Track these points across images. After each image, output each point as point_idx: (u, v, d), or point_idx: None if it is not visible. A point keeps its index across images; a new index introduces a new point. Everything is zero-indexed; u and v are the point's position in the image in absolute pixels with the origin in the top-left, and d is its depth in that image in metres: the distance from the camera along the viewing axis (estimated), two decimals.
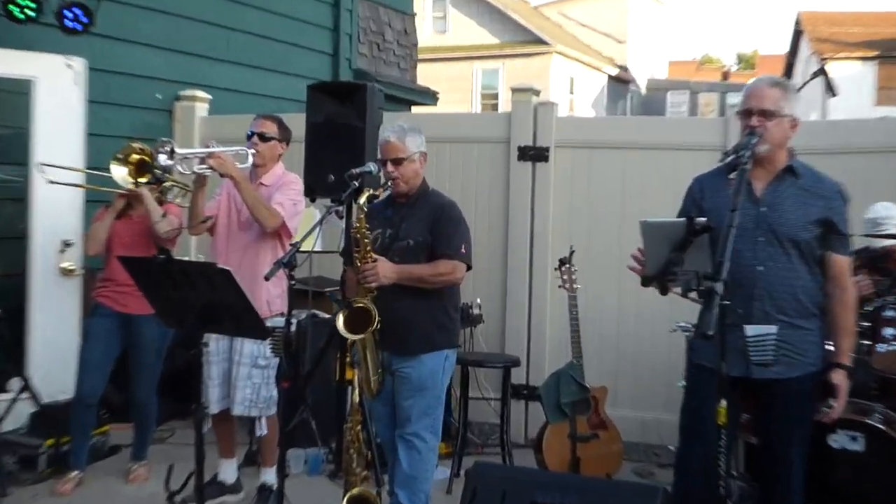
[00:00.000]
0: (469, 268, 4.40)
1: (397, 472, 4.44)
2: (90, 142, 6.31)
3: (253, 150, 4.96)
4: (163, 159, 4.75)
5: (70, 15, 5.90)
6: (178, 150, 4.80)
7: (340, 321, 4.03)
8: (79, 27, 5.96)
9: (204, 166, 4.77)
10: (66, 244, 5.90)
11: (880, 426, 4.44)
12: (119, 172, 5.00)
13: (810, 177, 3.79)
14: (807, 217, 3.73)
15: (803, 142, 4.80)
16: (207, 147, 4.91)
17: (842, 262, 3.77)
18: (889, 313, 4.70)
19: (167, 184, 5.39)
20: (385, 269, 4.15)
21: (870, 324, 4.75)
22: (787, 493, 3.82)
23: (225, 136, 6.39)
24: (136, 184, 4.99)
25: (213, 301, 3.76)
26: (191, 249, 6.97)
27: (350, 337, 4.08)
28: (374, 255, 4.16)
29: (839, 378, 3.70)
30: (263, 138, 4.97)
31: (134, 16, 7.32)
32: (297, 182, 5.07)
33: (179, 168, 4.88)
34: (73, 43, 6.17)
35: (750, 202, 3.68)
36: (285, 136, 5.10)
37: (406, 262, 4.27)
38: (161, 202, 5.26)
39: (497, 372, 6.11)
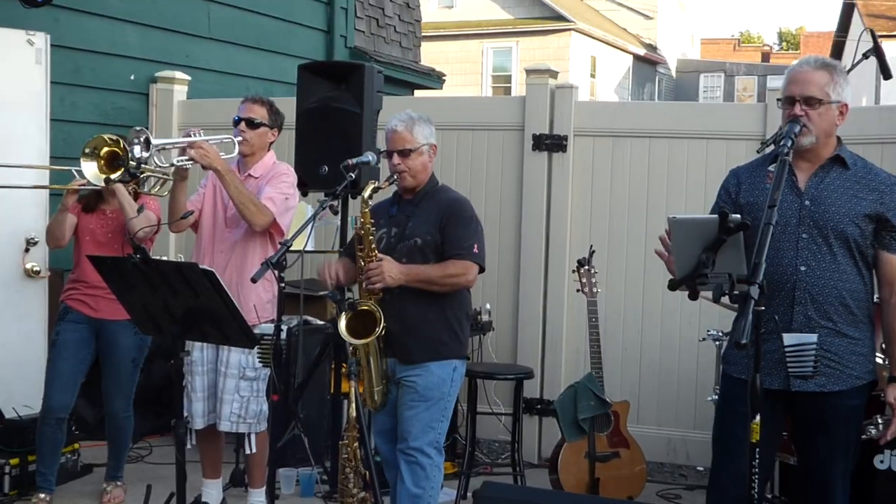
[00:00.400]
0: (482, 269, 4.42)
1: (400, 490, 4.44)
2: (55, 128, 6.25)
3: (240, 138, 4.92)
4: (137, 151, 4.62)
5: None
6: (154, 141, 4.70)
7: (343, 325, 4.04)
8: None
9: (184, 158, 4.68)
10: (31, 242, 5.85)
11: None
12: (90, 169, 4.83)
13: (861, 167, 3.77)
14: (857, 211, 3.69)
15: (854, 130, 4.82)
16: (188, 136, 4.79)
17: (894, 263, 3.74)
18: None
19: (143, 174, 5.31)
20: (391, 270, 4.16)
21: None
22: None
23: (208, 122, 6.45)
24: (108, 180, 4.82)
25: (196, 306, 3.75)
26: (170, 248, 6.96)
27: (353, 342, 4.09)
28: (380, 255, 4.17)
29: (893, 393, 3.67)
30: (252, 124, 4.93)
31: None
32: (289, 173, 5.02)
33: (156, 161, 4.84)
34: (35, 16, 6.14)
35: (793, 195, 3.67)
36: (276, 121, 5.05)
37: (413, 262, 4.29)
38: (136, 194, 5.16)
39: (508, 384, 6.11)
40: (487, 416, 6.26)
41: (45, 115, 6.11)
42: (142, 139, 4.61)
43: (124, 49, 7.46)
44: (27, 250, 5.86)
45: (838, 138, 3.79)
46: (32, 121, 6.01)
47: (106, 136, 4.90)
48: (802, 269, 3.67)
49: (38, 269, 5.91)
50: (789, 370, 3.66)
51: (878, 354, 3.81)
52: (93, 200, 5.24)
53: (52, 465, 5.32)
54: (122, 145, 4.74)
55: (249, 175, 4.97)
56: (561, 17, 28.56)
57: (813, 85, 3.67)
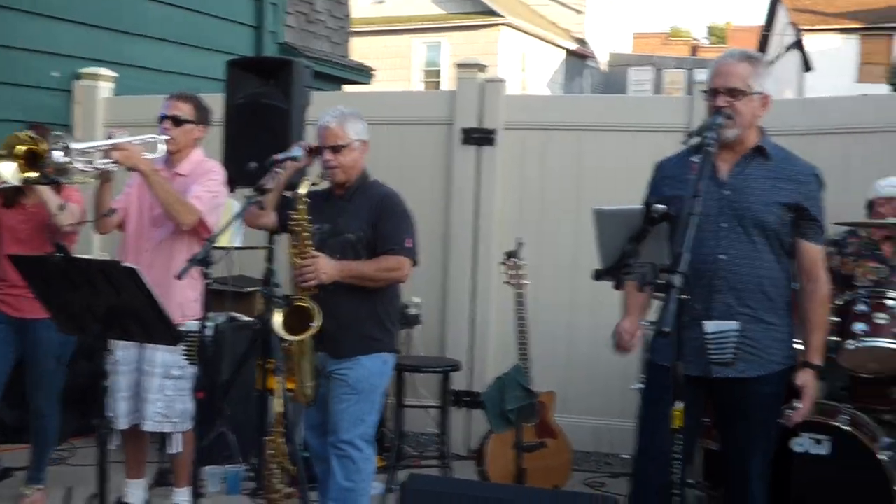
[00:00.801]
0: (415, 263, 4.44)
1: (331, 485, 4.45)
2: None
3: (166, 136, 4.84)
4: (57, 157, 4.48)
5: None
6: (73, 146, 4.55)
7: (280, 321, 4.01)
8: None
9: (108, 160, 4.58)
10: None
11: (847, 428, 4.51)
12: (7, 169, 4.62)
13: (782, 158, 3.83)
14: (775, 200, 3.75)
15: (778, 122, 4.87)
16: (110, 137, 4.69)
17: (815, 252, 3.81)
18: (861, 307, 4.76)
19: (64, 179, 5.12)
20: (326, 266, 4.18)
21: (839, 319, 4.78)
22: (748, 500, 3.88)
23: (134, 120, 6.37)
24: (27, 181, 4.67)
25: (118, 304, 3.69)
26: (93, 247, 6.84)
27: (290, 339, 4.07)
28: (314, 252, 4.18)
29: (806, 378, 3.74)
30: (177, 122, 4.85)
31: None
32: (217, 171, 4.94)
33: (79, 165, 4.64)
34: None
35: (713, 185, 3.70)
36: (203, 117, 4.97)
37: (345, 258, 4.30)
38: (59, 187, 4.96)
39: (436, 377, 6.10)
40: (415, 410, 6.26)
41: None
42: (60, 144, 4.46)
43: (47, 45, 7.31)
44: None
45: (761, 129, 3.85)
46: None
47: (20, 134, 4.71)
48: (722, 257, 3.73)
49: None
50: (710, 357, 3.70)
51: (797, 340, 3.87)
52: (11, 194, 5.05)
53: None
54: (39, 143, 4.57)
55: (177, 173, 4.89)
56: (491, 12, 28.52)
57: (736, 77, 3.73)
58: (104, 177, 4.68)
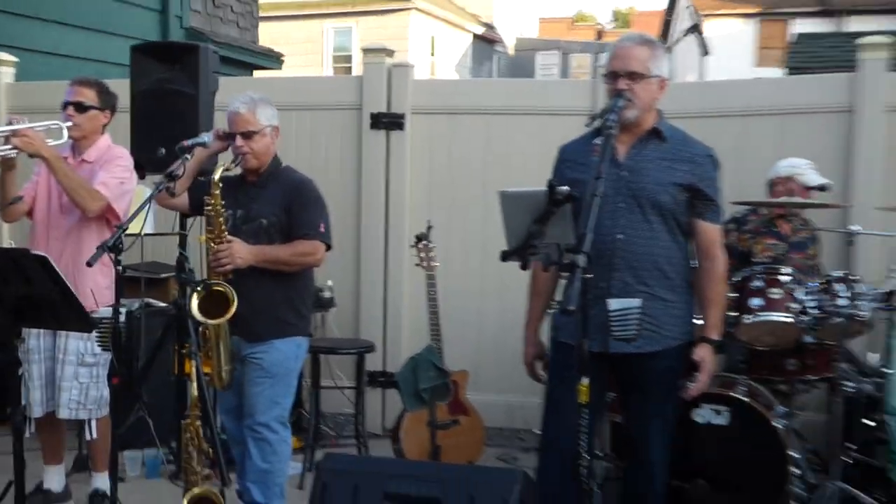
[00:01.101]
0: (329, 248, 4.46)
1: (248, 466, 4.48)
2: None
3: (69, 123, 4.75)
4: None
5: None
6: None
7: (196, 304, 4.01)
8: None
9: (8, 147, 4.47)
10: None
11: (745, 399, 4.62)
12: None
13: (678, 140, 3.88)
14: (671, 181, 3.79)
15: (677, 105, 4.96)
16: (10, 124, 4.56)
17: (711, 231, 3.88)
18: (756, 283, 4.83)
19: None
20: (241, 251, 4.18)
21: (737, 294, 4.86)
22: (651, 470, 3.96)
23: (37, 106, 6.23)
24: None
25: (29, 293, 3.64)
26: (2, 236, 6.70)
27: (207, 322, 4.07)
28: (229, 237, 4.18)
29: (703, 353, 3.83)
30: (81, 108, 4.77)
31: None
32: (124, 157, 4.87)
33: None
34: None
35: (613, 167, 3.71)
36: (108, 103, 4.89)
37: (259, 243, 4.31)
38: None
39: (351, 359, 6.13)
40: (331, 391, 6.29)
41: None
42: None
43: None
44: None
45: (659, 112, 3.89)
46: None
47: None
48: (620, 237, 3.78)
49: None
50: (613, 334, 3.75)
51: (697, 316, 3.97)
52: None
53: None
54: None
55: (83, 160, 4.81)
56: None
57: (634, 60, 3.77)
58: (6, 164, 4.58)
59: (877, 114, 5.95)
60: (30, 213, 4.86)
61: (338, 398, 6.37)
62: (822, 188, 5.41)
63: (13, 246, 5.74)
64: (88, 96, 4.79)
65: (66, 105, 4.77)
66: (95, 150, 4.85)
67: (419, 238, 5.62)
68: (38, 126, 4.61)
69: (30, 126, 4.53)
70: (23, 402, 4.45)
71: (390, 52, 6.76)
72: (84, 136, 4.81)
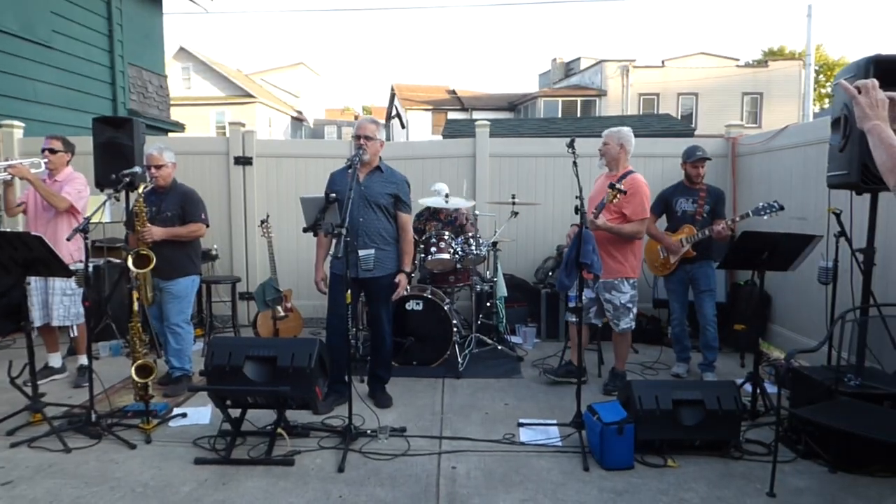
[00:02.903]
0: (207, 226, 4.30)
1: (168, 348, 4.30)
2: None
3: (45, 160, 4.42)
4: None
5: None
6: None
7: (131, 262, 3.79)
8: None
9: (5, 174, 4.25)
10: None
11: (430, 296, 4.84)
12: None
13: (388, 172, 3.96)
14: (385, 192, 3.89)
15: (392, 153, 5.06)
16: (7, 160, 4.37)
17: (404, 218, 3.98)
18: (434, 241, 4.90)
19: None
20: (155, 232, 4.00)
21: (423, 246, 4.93)
22: (382, 333, 4.06)
23: (34, 152, 5.61)
24: None
25: (31, 256, 3.39)
26: (3, 225, 5.96)
27: (137, 272, 3.84)
28: (148, 224, 3.98)
29: (401, 277, 3.98)
30: (52, 151, 4.43)
31: None
32: (80, 179, 4.51)
33: None
34: None
35: (357, 185, 3.79)
36: (69, 148, 4.54)
37: (167, 226, 4.11)
38: None
39: (228, 286, 5.98)
40: (218, 303, 6.12)
41: None
42: None
43: None
44: None
45: (380, 157, 3.93)
46: None
47: None
48: (361, 220, 3.84)
49: None
50: (362, 267, 3.84)
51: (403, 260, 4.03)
52: None
53: None
54: None
55: (56, 180, 4.45)
56: (251, 95, 27.74)
57: (368, 130, 3.85)
58: (6, 183, 4.33)
59: (485, 157, 6.24)
60: (25, 211, 4.47)
61: (222, 308, 6.19)
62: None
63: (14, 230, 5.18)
64: (56, 145, 4.46)
65: (43, 150, 4.44)
66: (62, 174, 4.49)
67: (262, 222, 5.50)
68: (25, 161, 4.33)
69: (20, 161, 4.30)
70: (30, 318, 4.08)
71: (244, 125, 6.49)
72: (56, 168, 4.46)
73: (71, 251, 4.37)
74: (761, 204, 4.13)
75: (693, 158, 4.56)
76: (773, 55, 33.35)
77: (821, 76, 31.77)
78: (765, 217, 4.14)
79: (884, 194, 3.32)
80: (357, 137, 3.88)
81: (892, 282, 3.94)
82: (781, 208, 4.07)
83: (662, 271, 4.66)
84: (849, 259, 3.66)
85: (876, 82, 1.76)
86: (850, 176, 3.14)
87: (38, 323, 4.41)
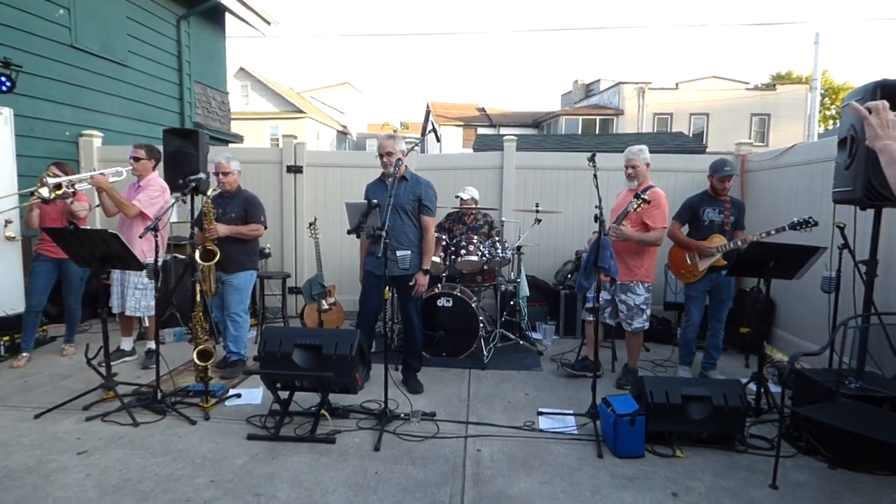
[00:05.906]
0: (266, 228, 4.37)
1: (227, 335, 4.37)
2: (20, 161, 5.29)
3: (131, 167, 4.50)
4: (64, 183, 4.32)
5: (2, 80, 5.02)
6: (61, 180, 4.31)
7: (198, 255, 3.89)
8: (4, 89, 5.05)
9: (86, 184, 4.40)
10: (8, 221, 4.92)
11: (458, 294, 4.79)
12: (45, 191, 4.27)
13: (413, 179, 3.95)
14: (411, 198, 3.88)
15: (427, 163, 5.01)
16: (90, 172, 4.49)
17: (427, 220, 3.95)
18: (463, 243, 4.90)
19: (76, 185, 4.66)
20: (221, 229, 4.09)
21: (454, 248, 4.91)
22: (413, 326, 4.07)
23: (115, 159, 5.84)
24: (55, 196, 4.32)
25: (109, 251, 3.49)
26: (96, 224, 6.14)
27: (203, 264, 3.93)
28: (214, 221, 4.08)
29: (420, 277, 3.95)
30: (136, 160, 4.51)
31: (45, 84, 6.18)
32: (155, 185, 4.54)
33: (78, 186, 4.43)
34: (2, 99, 5.22)
35: (387, 193, 3.75)
36: (153, 155, 4.60)
37: (231, 225, 4.20)
38: (75, 193, 4.49)
39: (279, 281, 6.04)
40: (270, 297, 6.17)
41: (12, 152, 5.07)
42: (50, 182, 4.26)
43: (62, 118, 6.38)
44: (5, 226, 4.91)
45: (406, 167, 3.89)
46: (3, 156, 5.00)
47: (48, 173, 4.38)
48: (392, 224, 3.83)
49: (13, 235, 4.98)
50: (399, 266, 3.84)
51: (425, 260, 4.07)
52: (47, 201, 4.48)
53: (31, 338, 4.66)
54: (59, 182, 4.31)
55: (140, 186, 4.53)
56: (301, 111, 28.00)
57: (388, 147, 3.85)
58: (98, 189, 4.41)
59: (511, 169, 6.19)
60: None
61: (273, 300, 6.25)
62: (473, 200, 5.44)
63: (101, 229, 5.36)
64: (140, 153, 4.54)
65: (130, 158, 4.53)
66: (146, 180, 4.56)
67: (311, 224, 5.52)
68: (107, 171, 4.45)
69: (100, 172, 4.41)
70: (108, 306, 4.20)
71: (295, 137, 6.55)
72: (141, 174, 4.54)
73: (143, 249, 4.45)
74: (796, 219, 3.86)
75: (721, 174, 4.31)
76: (781, 79, 32.47)
77: (826, 99, 30.82)
78: (799, 231, 3.85)
79: (887, 210, 3.21)
80: (380, 156, 3.91)
81: (892, 291, 3.79)
82: (816, 224, 3.79)
83: (690, 278, 4.35)
84: (851, 270, 3.54)
85: (886, 104, 1.71)
86: (855, 192, 3.05)
87: (115, 310, 4.54)
